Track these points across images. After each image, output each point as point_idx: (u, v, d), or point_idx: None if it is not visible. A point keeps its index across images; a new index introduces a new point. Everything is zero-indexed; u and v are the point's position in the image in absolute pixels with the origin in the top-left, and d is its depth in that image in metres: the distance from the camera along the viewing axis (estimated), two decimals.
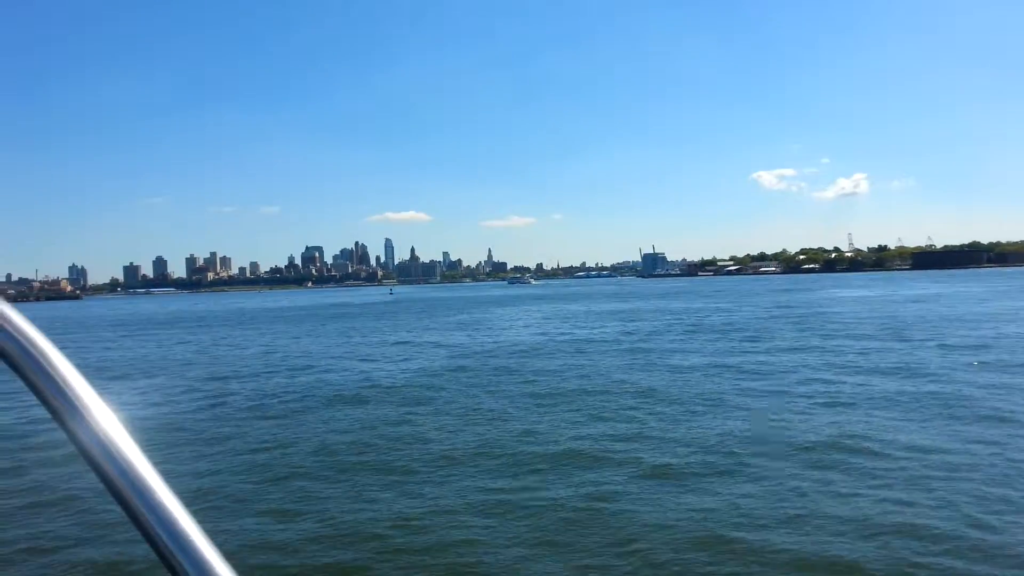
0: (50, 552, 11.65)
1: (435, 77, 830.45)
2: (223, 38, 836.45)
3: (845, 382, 25.14)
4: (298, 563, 10.99)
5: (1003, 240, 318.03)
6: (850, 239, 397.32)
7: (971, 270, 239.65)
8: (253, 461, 17.03)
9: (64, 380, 0.93)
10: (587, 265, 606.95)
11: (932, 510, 12.08)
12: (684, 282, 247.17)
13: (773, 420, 19.37)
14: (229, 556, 0.93)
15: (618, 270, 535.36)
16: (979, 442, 16.38)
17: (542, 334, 51.56)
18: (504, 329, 58.48)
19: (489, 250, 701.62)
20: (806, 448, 16.26)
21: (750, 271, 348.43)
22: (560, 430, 19.11)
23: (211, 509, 13.37)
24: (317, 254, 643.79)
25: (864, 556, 10.36)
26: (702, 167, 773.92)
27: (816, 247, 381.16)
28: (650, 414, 20.84)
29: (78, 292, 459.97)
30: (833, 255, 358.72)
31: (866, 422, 18.80)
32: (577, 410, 21.80)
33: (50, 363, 0.93)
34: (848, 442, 16.64)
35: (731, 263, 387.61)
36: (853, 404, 21.27)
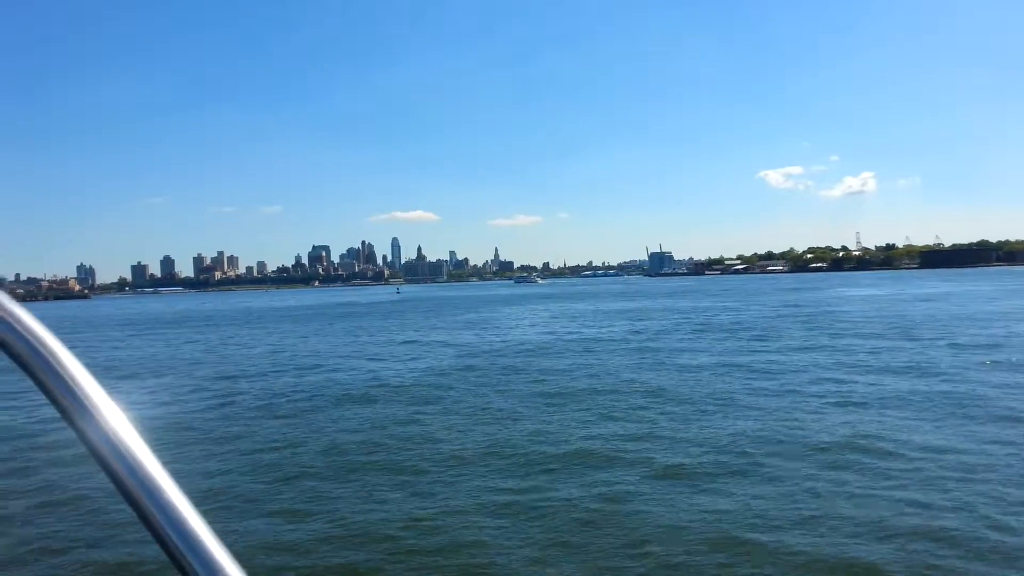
0: (60, 552, 11.60)
1: (437, 77, 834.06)
2: (224, 38, 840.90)
3: (856, 381, 24.95)
4: (309, 564, 10.91)
5: (1012, 239, 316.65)
6: (858, 238, 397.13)
7: (980, 269, 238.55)
8: (262, 460, 16.98)
9: (74, 379, 0.92)
10: (593, 264, 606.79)
11: (950, 512, 11.91)
12: (691, 281, 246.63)
13: (785, 420, 19.21)
14: (239, 556, 0.93)
15: (625, 269, 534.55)
16: (995, 442, 16.19)
17: (550, 333, 51.43)
18: (512, 328, 58.38)
19: (495, 249, 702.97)
20: (819, 448, 16.11)
21: (757, 270, 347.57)
22: (570, 430, 19.00)
23: (221, 509, 13.31)
24: (324, 253, 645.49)
25: (882, 558, 10.22)
26: (708, 166, 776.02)
27: (824, 246, 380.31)
28: (661, 413, 20.71)
29: (86, 291, 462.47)
30: (841, 254, 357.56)
31: (879, 422, 18.63)
32: (587, 409, 21.68)
33: (60, 363, 0.92)
34: (861, 442, 16.47)
35: (738, 262, 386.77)
36: (865, 404, 21.09)
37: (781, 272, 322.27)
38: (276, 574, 10.60)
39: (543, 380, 27.98)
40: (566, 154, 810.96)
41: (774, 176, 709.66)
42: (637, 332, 49.20)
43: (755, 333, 44.59)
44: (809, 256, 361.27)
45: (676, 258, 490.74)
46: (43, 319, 0.94)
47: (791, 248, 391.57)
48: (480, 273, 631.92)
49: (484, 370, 31.84)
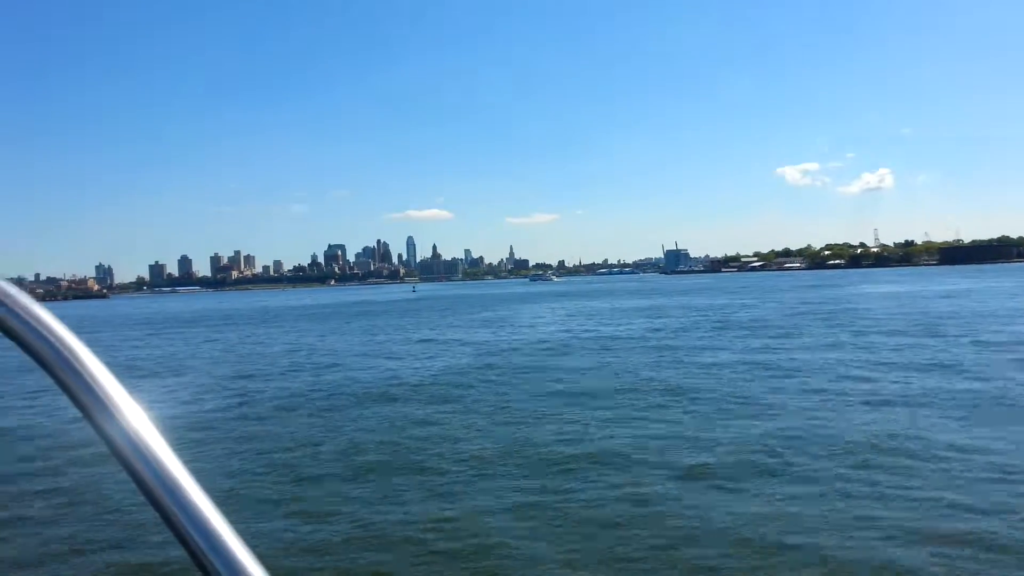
0: (82, 553, 11.58)
1: (446, 74, 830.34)
2: (223, 37, 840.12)
3: (881, 379, 24.57)
4: (331, 565, 10.81)
5: None
6: (876, 234, 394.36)
7: (1000, 265, 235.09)
8: (283, 460, 16.92)
9: (94, 379, 0.92)
10: (609, 262, 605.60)
11: (985, 514, 11.58)
12: (708, 278, 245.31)
13: (811, 419, 18.90)
14: (261, 557, 0.92)
15: (640, 267, 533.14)
16: None
17: (567, 331, 51.21)
18: (529, 326, 58.22)
19: (511, 247, 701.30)
20: (847, 448, 15.80)
21: (775, 267, 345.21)
22: (591, 429, 18.80)
23: (242, 509, 13.24)
24: (339, 252, 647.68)
25: (919, 563, 9.95)
26: (725, 163, 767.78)
27: (841, 242, 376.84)
28: (683, 412, 20.45)
29: (105, 291, 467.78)
30: (859, 251, 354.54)
31: (907, 420, 18.29)
32: (608, 408, 21.46)
33: (80, 362, 0.91)
34: (890, 441, 16.17)
35: (755, 259, 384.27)
36: (891, 402, 20.75)
37: (799, 269, 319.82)
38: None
39: (562, 379, 27.79)
40: (583, 151, 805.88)
41: (791, 173, 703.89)
42: (655, 330, 48.87)
43: (776, 331, 44.12)
44: (827, 253, 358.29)
45: (692, 256, 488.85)
46: (63, 319, 0.93)
47: (808, 245, 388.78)
48: (495, 271, 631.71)
49: (502, 369, 31.70)
